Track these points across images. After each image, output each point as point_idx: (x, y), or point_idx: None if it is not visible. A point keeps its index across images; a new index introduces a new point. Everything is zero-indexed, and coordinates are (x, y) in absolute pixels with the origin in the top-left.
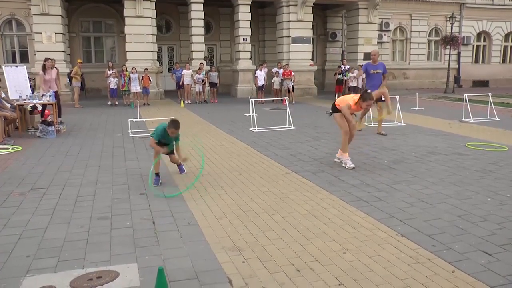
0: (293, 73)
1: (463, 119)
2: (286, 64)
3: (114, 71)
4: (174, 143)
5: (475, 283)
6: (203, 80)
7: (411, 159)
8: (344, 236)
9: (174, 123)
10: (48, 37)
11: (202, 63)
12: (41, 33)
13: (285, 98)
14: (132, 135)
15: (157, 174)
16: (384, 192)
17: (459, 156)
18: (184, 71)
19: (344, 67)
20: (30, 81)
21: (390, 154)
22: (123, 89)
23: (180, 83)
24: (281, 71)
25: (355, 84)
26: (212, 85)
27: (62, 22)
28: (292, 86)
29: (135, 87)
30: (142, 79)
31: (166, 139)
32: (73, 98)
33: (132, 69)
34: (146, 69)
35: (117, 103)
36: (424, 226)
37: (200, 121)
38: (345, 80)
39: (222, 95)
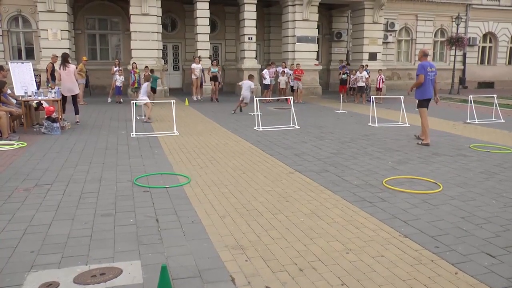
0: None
1: (468, 121)
2: (298, 64)
3: (120, 68)
4: None
5: (478, 285)
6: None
7: (415, 160)
8: (347, 236)
9: None
10: (54, 34)
11: (214, 61)
12: (47, 30)
13: (290, 97)
14: (134, 135)
15: None
16: (388, 192)
17: (464, 158)
18: (194, 65)
19: (347, 67)
20: (35, 78)
21: (394, 155)
22: (134, 86)
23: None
24: (286, 70)
25: (362, 84)
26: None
27: (68, 19)
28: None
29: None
30: (143, 76)
31: None
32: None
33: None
34: (146, 66)
35: (121, 100)
36: (427, 227)
37: (205, 119)
38: (350, 79)
39: (226, 94)
